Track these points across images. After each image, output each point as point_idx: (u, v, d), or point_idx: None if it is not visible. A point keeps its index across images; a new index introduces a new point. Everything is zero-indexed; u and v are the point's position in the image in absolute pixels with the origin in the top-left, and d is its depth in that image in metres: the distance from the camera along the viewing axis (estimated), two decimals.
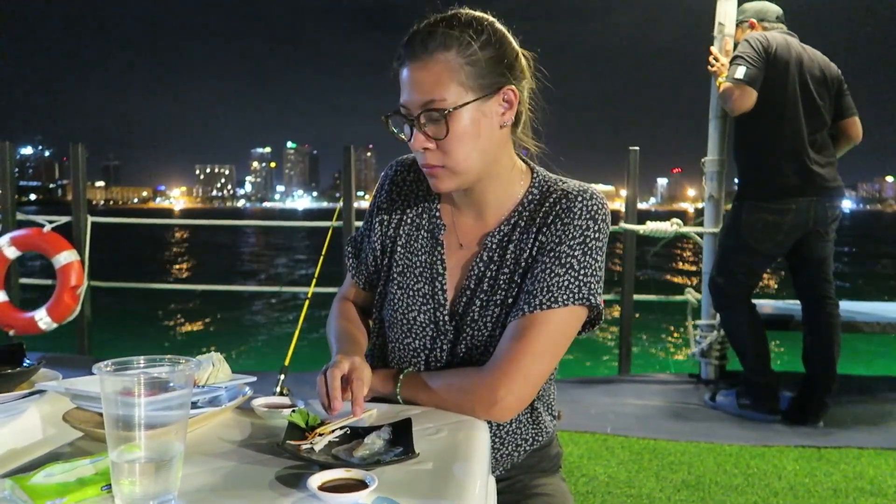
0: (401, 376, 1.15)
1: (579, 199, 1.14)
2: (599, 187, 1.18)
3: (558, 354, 1.13)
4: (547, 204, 1.16)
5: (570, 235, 1.12)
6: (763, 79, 3.06)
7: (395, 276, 1.24)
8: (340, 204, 4.39)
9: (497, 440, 1.20)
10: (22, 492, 0.74)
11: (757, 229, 3.15)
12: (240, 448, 0.92)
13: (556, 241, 1.13)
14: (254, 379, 1.11)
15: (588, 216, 1.13)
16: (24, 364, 1.10)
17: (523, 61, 1.14)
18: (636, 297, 4.33)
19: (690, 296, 4.12)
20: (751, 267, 3.26)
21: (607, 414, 3.32)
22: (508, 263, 1.17)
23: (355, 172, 4.62)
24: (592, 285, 1.12)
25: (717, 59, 3.47)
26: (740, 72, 3.04)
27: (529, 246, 1.15)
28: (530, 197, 1.19)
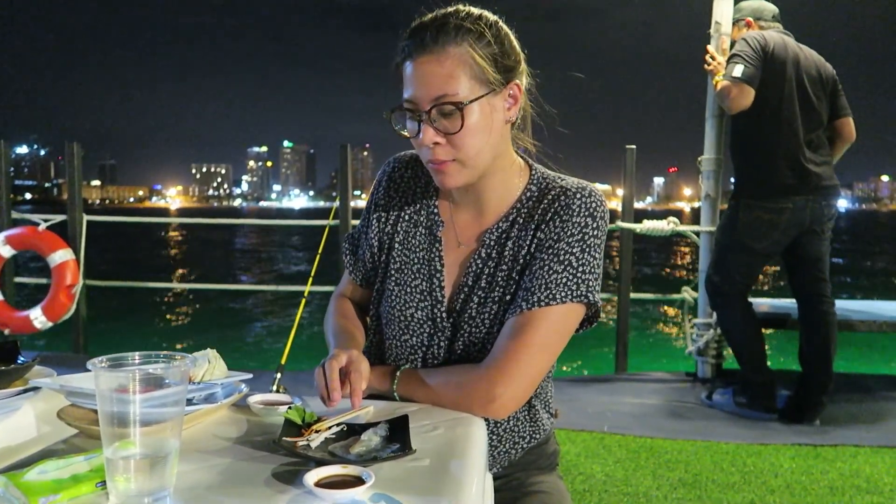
0: (398, 373, 1.15)
1: (578, 196, 1.14)
2: (596, 186, 1.18)
3: (556, 352, 1.13)
4: (545, 201, 1.16)
5: (569, 233, 1.12)
6: (760, 78, 3.07)
7: (393, 272, 1.23)
8: (337, 203, 4.39)
9: (494, 437, 1.19)
10: (16, 489, 0.73)
11: (753, 228, 3.15)
12: (236, 445, 0.92)
13: (555, 238, 1.12)
14: (250, 376, 1.10)
15: (587, 213, 1.13)
16: (19, 362, 1.09)
17: (524, 59, 1.15)
18: (633, 295, 4.33)
19: (687, 294, 4.12)
20: (747, 266, 3.26)
21: (604, 412, 3.32)
22: (507, 260, 1.16)
23: (352, 171, 4.61)
24: (591, 283, 1.12)
25: (713, 58, 3.48)
26: (738, 70, 3.04)
27: (528, 243, 1.15)
28: (529, 194, 1.19)
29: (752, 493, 2.45)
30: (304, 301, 3.34)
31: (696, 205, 4.12)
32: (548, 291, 1.09)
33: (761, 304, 3.92)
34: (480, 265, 1.18)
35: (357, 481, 0.76)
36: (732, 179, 3.37)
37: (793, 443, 2.91)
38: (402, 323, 1.21)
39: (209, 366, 1.08)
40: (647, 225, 4.10)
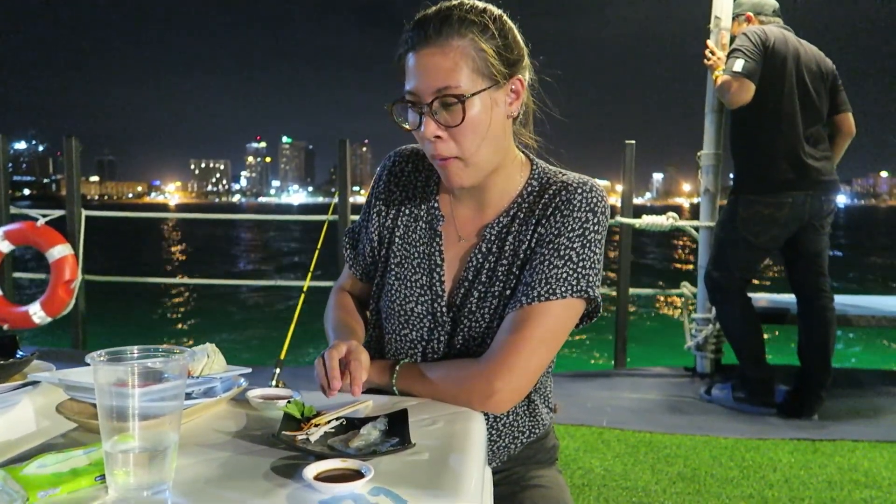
0: (397, 367, 1.15)
1: (579, 191, 1.14)
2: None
3: (556, 347, 1.12)
4: (546, 196, 1.16)
5: (570, 227, 1.12)
6: (760, 72, 3.06)
7: (393, 266, 1.23)
8: (336, 199, 4.38)
9: (494, 432, 1.19)
10: (15, 482, 0.73)
11: (753, 223, 3.15)
12: (235, 439, 0.92)
13: (556, 232, 1.12)
14: (249, 370, 1.10)
15: (587, 208, 1.12)
16: (18, 356, 1.09)
17: (527, 54, 1.14)
18: (632, 290, 4.33)
19: (686, 289, 4.12)
20: (746, 261, 3.26)
21: (603, 407, 3.33)
22: (507, 255, 1.16)
23: (351, 167, 4.61)
24: (591, 278, 1.12)
25: (713, 53, 3.47)
26: (738, 65, 3.04)
27: (528, 238, 1.15)
28: (530, 188, 1.18)
29: (750, 487, 2.46)
30: (303, 296, 3.34)
31: (695, 201, 4.12)
32: (548, 286, 1.09)
33: (760, 299, 3.93)
34: (481, 260, 1.18)
35: (356, 475, 0.76)
36: (732, 175, 3.37)
37: (791, 437, 2.91)
38: (402, 317, 1.21)
39: (208, 360, 1.08)
40: (647, 220, 4.10)
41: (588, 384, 3.75)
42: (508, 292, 1.15)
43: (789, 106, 3.10)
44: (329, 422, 0.94)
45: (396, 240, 1.24)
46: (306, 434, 0.89)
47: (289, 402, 0.97)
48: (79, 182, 4.63)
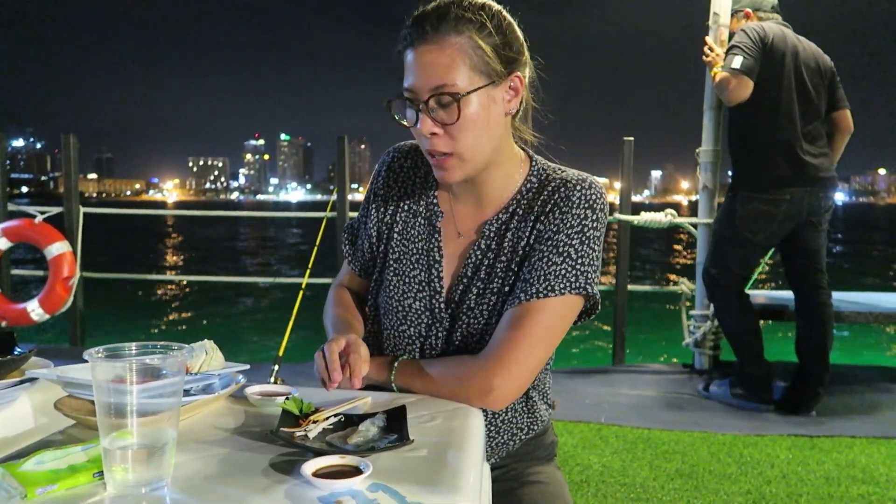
0: (396, 364, 1.15)
1: (578, 187, 1.13)
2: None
3: (554, 343, 1.13)
4: (545, 192, 1.16)
5: (568, 224, 1.11)
6: (759, 69, 3.06)
7: (392, 262, 1.23)
8: (335, 196, 4.38)
9: (492, 428, 1.20)
10: (13, 479, 0.73)
11: (751, 220, 3.15)
12: (233, 435, 0.92)
13: (554, 229, 1.12)
14: (247, 367, 1.10)
15: (586, 205, 1.12)
16: (15, 353, 1.09)
17: (526, 51, 1.14)
18: (630, 287, 4.34)
19: (684, 286, 4.12)
20: (745, 257, 3.27)
21: (602, 404, 3.33)
22: (506, 251, 1.16)
23: (349, 164, 4.60)
24: (589, 275, 1.12)
25: (712, 50, 3.47)
26: (737, 61, 3.03)
27: (527, 234, 1.15)
28: (529, 185, 1.18)
29: (748, 483, 2.46)
30: (301, 293, 3.34)
31: (694, 198, 4.11)
32: (546, 283, 1.09)
33: (758, 295, 3.93)
34: (480, 256, 1.18)
35: (355, 471, 0.76)
36: (730, 172, 3.37)
37: (789, 434, 2.92)
38: (401, 313, 1.21)
39: (206, 357, 1.08)
40: (645, 217, 4.10)
41: (586, 381, 3.76)
42: (507, 289, 1.15)
43: (787, 103, 3.10)
44: (328, 418, 0.94)
45: (395, 236, 1.24)
46: (305, 430, 0.89)
47: (287, 398, 0.97)
48: (77, 179, 4.62)
